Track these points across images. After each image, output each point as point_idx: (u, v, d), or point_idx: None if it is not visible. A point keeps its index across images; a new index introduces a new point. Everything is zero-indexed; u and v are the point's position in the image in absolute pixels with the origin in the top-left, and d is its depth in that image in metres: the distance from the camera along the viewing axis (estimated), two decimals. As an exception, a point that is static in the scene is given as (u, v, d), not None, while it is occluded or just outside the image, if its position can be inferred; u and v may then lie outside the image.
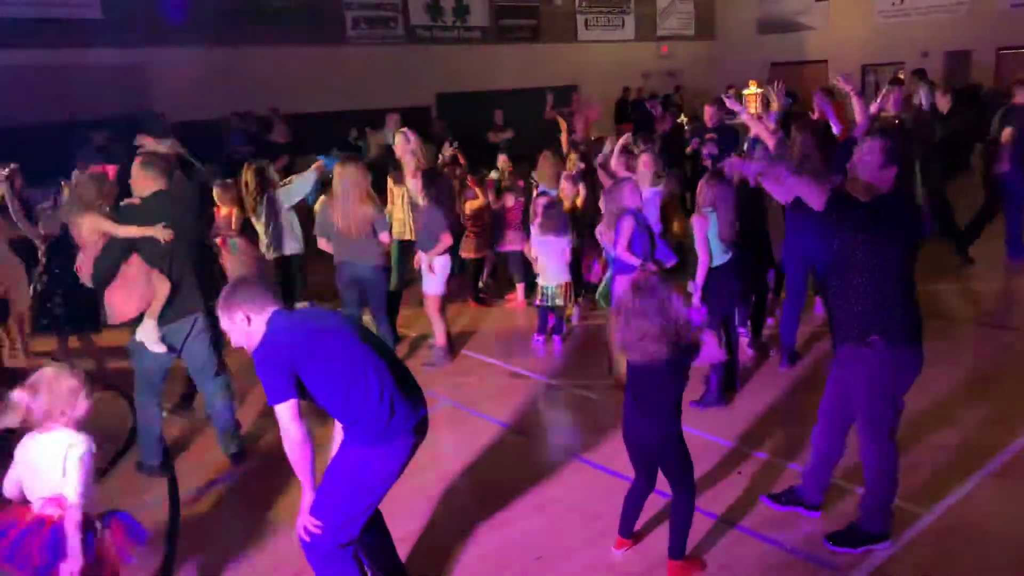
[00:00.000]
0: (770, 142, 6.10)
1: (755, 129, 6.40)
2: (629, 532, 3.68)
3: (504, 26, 19.23)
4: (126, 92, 13.45)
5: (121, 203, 4.72)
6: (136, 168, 4.61)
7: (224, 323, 3.00)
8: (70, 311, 6.26)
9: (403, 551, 3.61)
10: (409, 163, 6.27)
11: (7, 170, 7.02)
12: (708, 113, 8.80)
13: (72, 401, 2.83)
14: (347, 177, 5.74)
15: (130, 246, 4.52)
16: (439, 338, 6.37)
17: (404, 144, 6.39)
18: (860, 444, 3.57)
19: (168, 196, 4.57)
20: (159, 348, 4.54)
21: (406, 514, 4.04)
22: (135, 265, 4.54)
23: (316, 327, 2.99)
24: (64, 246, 6.11)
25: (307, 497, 3.00)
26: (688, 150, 8.75)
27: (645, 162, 6.82)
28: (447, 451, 4.90)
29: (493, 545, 3.87)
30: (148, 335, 4.51)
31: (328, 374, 2.92)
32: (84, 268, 4.76)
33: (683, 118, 15.27)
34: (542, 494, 4.31)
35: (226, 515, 4.36)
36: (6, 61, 12.31)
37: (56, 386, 2.82)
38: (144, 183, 4.59)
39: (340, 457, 3.07)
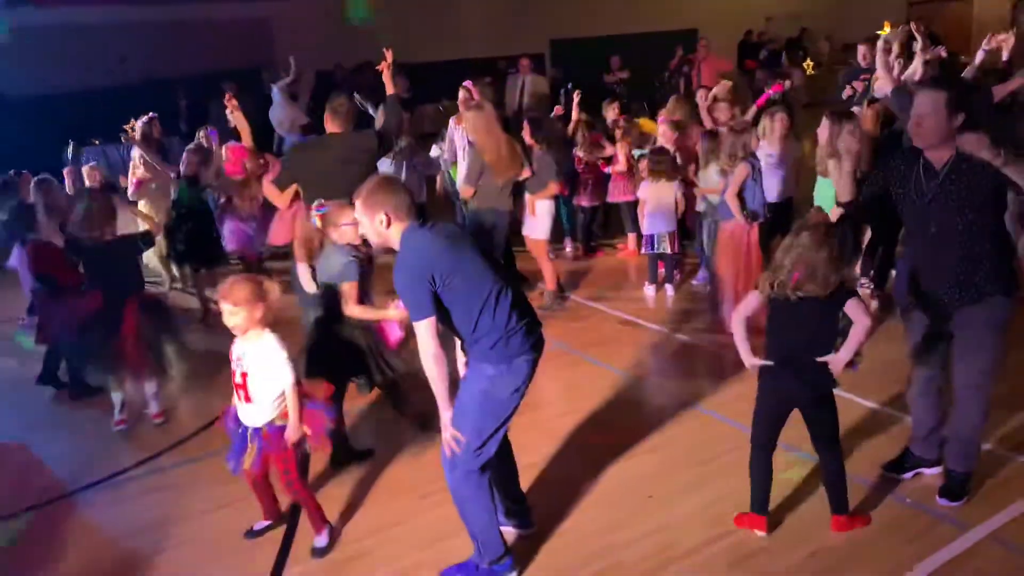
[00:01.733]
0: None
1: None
2: (766, 506, 3.46)
3: (623, -31, 18.70)
4: (251, 45, 14.04)
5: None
6: (326, 110, 5.10)
7: (360, 214, 3.04)
8: (192, 247, 6.70)
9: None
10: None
11: (146, 118, 7.60)
12: (861, 52, 8.20)
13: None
14: (484, 123, 5.78)
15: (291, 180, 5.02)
16: (549, 282, 6.47)
17: (467, 99, 6.54)
18: (964, 395, 3.49)
19: (332, 139, 5.01)
20: (311, 288, 4.83)
21: (521, 448, 4.14)
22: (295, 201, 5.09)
23: (454, 245, 3.01)
24: (193, 187, 6.59)
25: (445, 412, 3.08)
26: (844, 95, 8.12)
27: (781, 120, 6.50)
28: (559, 391, 5.01)
29: (605, 482, 3.97)
30: (303, 276, 4.84)
31: (467, 291, 2.97)
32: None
33: (808, 63, 14.55)
34: (654, 437, 4.37)
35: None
36: (140, 17, 13.03)
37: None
38: (327, 124, 5.09)
39: (469, 379, 3.14)
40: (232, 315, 3.30)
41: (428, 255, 2.94)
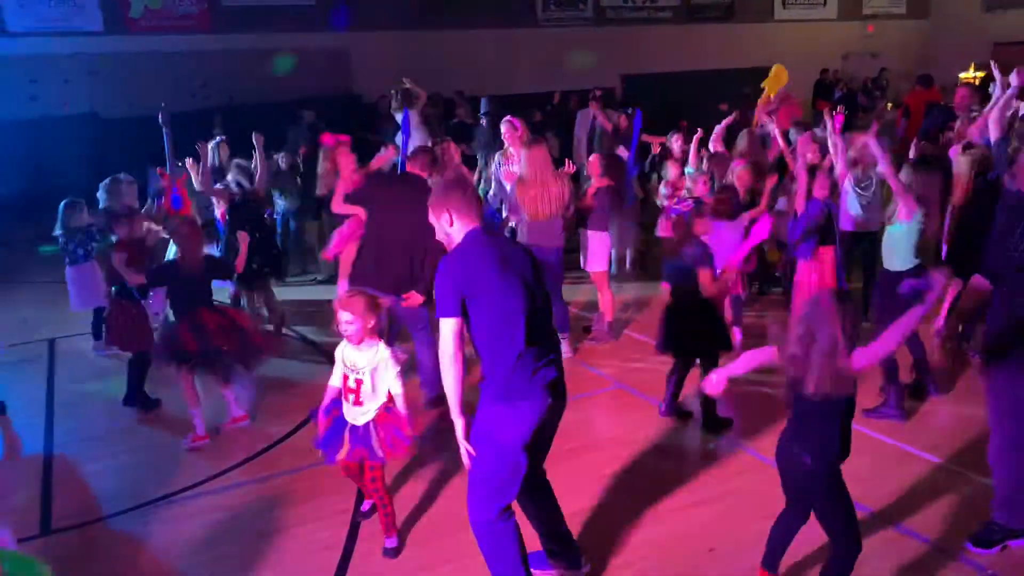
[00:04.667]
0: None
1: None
2: (774, 566, 3.26)
3: (696, 5, 18.66)
4: (329, 74, 14.45)
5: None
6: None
7: (431, 213, 3.09)
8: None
9: (572, 528, 3.63)
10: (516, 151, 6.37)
11: (216, 140, 7.84)
12: (960, 95, 7.77)
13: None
14: (537, 159, 5.75)
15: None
16: (607, 312, 6.44)
17: (511, 132, 6.51)
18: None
19: (410, 179, 5.32)
20: None
21: (575, 491, 4.06)
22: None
23: (502, 262, 2.96)
24: (246, 206, 6.70)
25: (457, 420, 3.02)
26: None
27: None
28: (616, 433, 4.88)
29: (664, 532, 3.83)
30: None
31: (490, 314, 2.94)
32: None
33: (889, 105, 14.16)
34: (715, 486, 4.21)
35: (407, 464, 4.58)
36: (222, 45, 13.54)
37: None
38: (409, 166, 5.49)
39: (477, 419, 3.05)
40: (349, 324, 3.54)
41: (469, 258, 2.96)
